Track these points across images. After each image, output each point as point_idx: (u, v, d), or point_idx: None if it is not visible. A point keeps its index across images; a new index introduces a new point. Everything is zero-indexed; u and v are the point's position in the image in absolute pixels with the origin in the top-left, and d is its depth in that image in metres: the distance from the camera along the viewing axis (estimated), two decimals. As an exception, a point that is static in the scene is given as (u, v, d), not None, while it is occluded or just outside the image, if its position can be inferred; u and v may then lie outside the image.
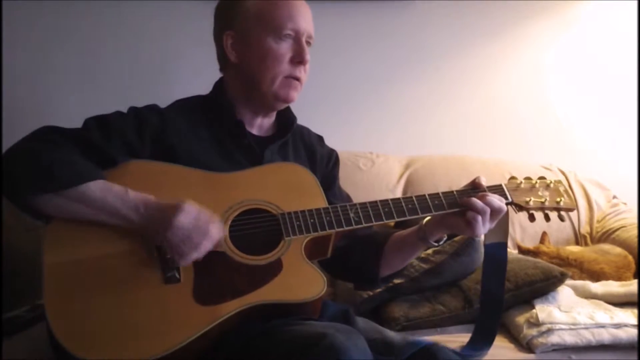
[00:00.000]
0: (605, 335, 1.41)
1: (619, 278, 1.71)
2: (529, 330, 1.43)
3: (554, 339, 1.40)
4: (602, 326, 1.42)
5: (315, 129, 2.07)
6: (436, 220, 1.23)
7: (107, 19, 2.00)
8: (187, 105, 1.29)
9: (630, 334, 1.41)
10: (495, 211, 1.16)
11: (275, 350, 0.98)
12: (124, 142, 1.15)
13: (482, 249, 1.72)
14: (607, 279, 1.70)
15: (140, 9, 1.99)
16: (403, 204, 1.19)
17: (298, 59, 1.23)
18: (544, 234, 1.91)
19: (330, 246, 1.21)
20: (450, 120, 2.23)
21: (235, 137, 1.27)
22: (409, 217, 1.19)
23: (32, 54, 1.97)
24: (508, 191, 1.24)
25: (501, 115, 2.25)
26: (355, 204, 1.19)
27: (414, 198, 1.20)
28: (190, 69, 1.98)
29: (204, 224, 1.04)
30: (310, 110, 2.14)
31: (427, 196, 1.20)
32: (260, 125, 1.33)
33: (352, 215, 1.16)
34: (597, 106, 2.27)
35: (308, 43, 1.26)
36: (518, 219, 2.01)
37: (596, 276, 1.71)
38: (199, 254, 1.05)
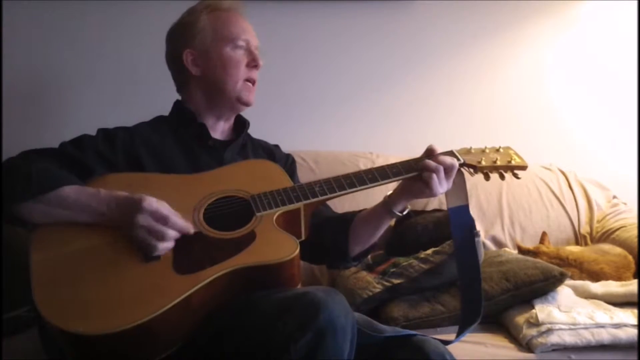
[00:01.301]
0: (604, 335, 1.41)
1: (618, 278, 1.71)
2: (528, 330, 1.44)
3: (554, 339, 1.40)
4: (602, 326, 1.43)
5: (316, 128, 2.08)
6: (398, 189, 1.33)
7: (107, 18, 2.00)
8: (152, 122, 1.43)
9: (629, 334, 1.41)
10: (448, 168, 1.26)
11: (257, 316, 1.02)
12: (98, 154, 1.27)
13: (482, 249, 1.73)
14: (607, 279, 1.70)
15: (140, 9, 2.00)
16: (364, 175, 1.27)
17: (253, 63, 1.41)
18: (544, 234, 1.92)
19: (302, 225, 1.26)
20: (450, 120, 2.23)
21: (199, 140, 1.39)
22: (370, 185, 1.26)
23: (31, 54, 1.98)
24: (459, 154, 1.33)
25: (501, 115, 2.25)
26: (318, 180, 1.27)
27: (373, 170, 1.29)
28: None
29: (163, 215, 1.10)
30: (310, 110, 2.16)
31: (385, 166, 1.29)
32: (222, 130, 1.47)
33: (317, 189, 1.25)
34: (597, 106, 2.27)
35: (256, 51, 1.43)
36: (518, 220, 2.02)
37: (596, 276, 1.71)
38: (166, 244, 1.10)
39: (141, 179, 1.24)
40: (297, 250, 1.12)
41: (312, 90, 2.15)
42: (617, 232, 1.94)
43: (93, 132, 1.34)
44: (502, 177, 1.33)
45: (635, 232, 1.85)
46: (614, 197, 2.13)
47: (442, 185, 1.26)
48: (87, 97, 2.00)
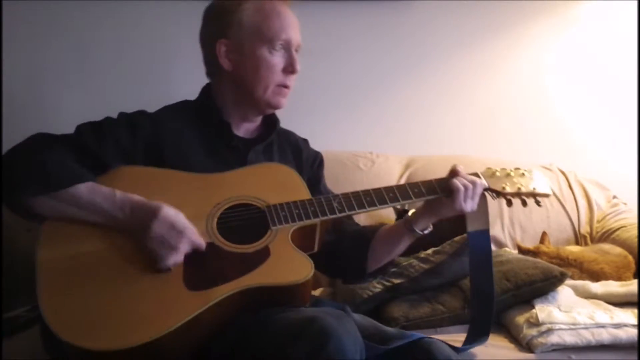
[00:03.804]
0: (605, 335, 1.41)
1: (619, 278, 1.71)
2: (528, 330, 1.44)
3: (554, 339, 1.40)
4: (602, 326, 1.43)
5: (315, 128, 2.07)
6: (421, 209, 1.31)
7: (106, 18, 2.00)
8: (176, 109, 1.35)
9: (630, 334, 1.41)
10: (475, 186, 1.25)
11: (267, 338, 1.01)
12: (116, 146, 1.20)
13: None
14: (607, 279, 1.70)
15: (139, 8, 1.99)
16: (384, 193, 1.24)
17: (290, 69, 1.31)
18: (544, 234, 1.91)
19: (316, 238, 1.24)
20: (450, 120, 2.23)
21: (222, 138, 1.32)
22: (390, 205, 1.24)
23: (31, 54, 1.98)
24: (484, 178, 1.30)
25: (501, 115, 2.25)
26: (338, 195, 1.24)
27: (394, 188, 1.26)
28: (189, 68, 1.97)
29: (178, 229, 1.08)
30: (310, 110, 2.16)
31: (407, 185, 1.27)
32: (247, 128, 1.39)
33: (335, 204, 1.22)
34: (597, 106, 2.27)
35: (297, 52, 1.34)
36: (518, 220, 2.02)
37: (596, 276, 1.71)
38: (177, 257, 1.08)
39: (157, 176, 1.20)
40: (312, 273, 1.11)
41: (312, 90, 2.15)
42: (617, 232, 1.94)
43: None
44: (524, 203, 1.32)
45: (635, 232, 1.85)
46: (614, 197, 2.13)
47: (467, 204, 1.25)
48: (86, 97, 2.00)
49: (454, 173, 1.28)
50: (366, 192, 1.24)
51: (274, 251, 1.13)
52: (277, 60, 1.30)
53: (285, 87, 1.32)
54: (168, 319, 1.01)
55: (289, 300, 1.11)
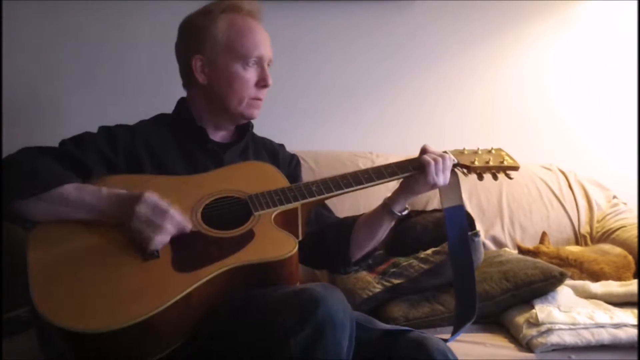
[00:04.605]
0: (604, 335, 1.41)
1: (618, 278, 1.71)
2: (528, 330, 1.44)
3: (554, 339, 1.40)
4: (602, 326, 1.43)
5: (315, 129, 2.08)
6: (397, 189, 1.36)
7: (107, 19, 2.00)
8: (153, 121, 1.42)
9: (629, 334, 1.41)
10: (444, 159, 1.31)
11: (257, 312, 1.03)
12: (98, 153, 1.26)
13: (481, 249, 1.74)
14: (607, 279, 1.70)
15: (140, 9, 2.00)
16: (360, 175, 1.30)
17: (263, 83, 1.36)
18: (544, 234, 1.92)
19: (299, 225, 1.27)
20: (450, 120, 2.23)
21: (198, 143, 1.38)
22: (366, 185, 1.29)
23: (32, 54, 1.98)
24: (452, 155, 1.35)
25: (501, 115, 2.25)
26: (316, 180, 1.29)
27: (369, 170, 1.32)
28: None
29: (162, 209, 1.11)
30: (310, 110, 2.16)
31: (381, 166, 1.33)
32: (222, 135, 1.44)
33: (314, 188, 1.26)
34: (597, 106, 2.27)
35: (268, 66, 1.39)
36: (518, 220, 2.02)
37: (596, 276, 1.71)
38: (163, 237, 1.10)
39: (139, 181, 1.24)
40: (296, 248, 1.13)
41: (312, 90, 2.15)
42: (617, 232, 1.94)
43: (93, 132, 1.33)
44: (495, 177, 1.37)
45: (635, 232, 1.85)
46: (614, 197, 2.13)
47: (439, 177, 1.29)
48: (86, 97, 2.00)
49: (423, 151, 1.34)
50: (343, 176, 1.29)
51: (258, 233, 1.16)
52: (250, 75, 1.35)
53: (258, 99, 1.38)
54: (159, 298, 1.02)
55: (278, 278, 1.13)
